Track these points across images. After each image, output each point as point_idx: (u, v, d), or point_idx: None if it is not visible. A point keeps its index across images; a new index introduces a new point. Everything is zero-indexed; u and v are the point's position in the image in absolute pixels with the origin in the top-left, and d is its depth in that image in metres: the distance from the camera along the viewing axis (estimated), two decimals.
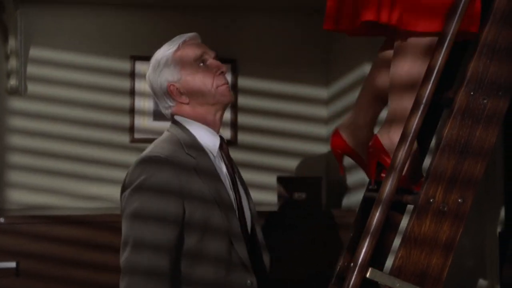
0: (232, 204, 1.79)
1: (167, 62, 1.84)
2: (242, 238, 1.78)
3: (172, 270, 1.68)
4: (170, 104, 1.87)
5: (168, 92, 1.85)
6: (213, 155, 1.84)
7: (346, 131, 2.01)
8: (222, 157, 1.88)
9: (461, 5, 1.64)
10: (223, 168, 1.86)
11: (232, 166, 1.90)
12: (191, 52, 1.85)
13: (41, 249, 3.06)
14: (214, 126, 1.87)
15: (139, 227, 1.67)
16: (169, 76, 1.84)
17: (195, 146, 1.81)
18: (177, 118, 1.88)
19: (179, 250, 1.70)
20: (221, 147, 1.88)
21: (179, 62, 1.84)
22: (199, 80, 1.83)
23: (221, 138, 1.89)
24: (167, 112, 1.91)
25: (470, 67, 1.64)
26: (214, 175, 1.79)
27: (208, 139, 1.85)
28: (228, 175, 1.86)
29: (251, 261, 1.81)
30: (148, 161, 1.72)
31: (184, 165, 1.74)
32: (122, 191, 1.78)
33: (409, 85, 1.77)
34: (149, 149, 1.79)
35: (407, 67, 1.79)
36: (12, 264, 3.00)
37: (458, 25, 1.64)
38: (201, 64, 1.85)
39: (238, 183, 1.90)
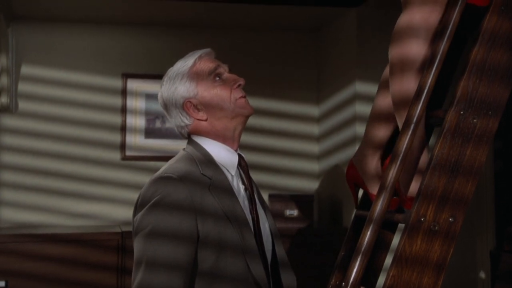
0: (247, 220, 1.75)
1: (182, 78, 1.81)
2: (258, 256, 1.73)
3: None
4: (187, 122, 1.83)
5: (184, 109, 1.81)
6: (231, 174, 1.80)
7: (358, 162, 1.99)
8: (241, 176, 1.84)
9: (450, 25, 1.66)
10: (241, 187, 1.82)
11: (251, 185, 1.85)
12: (206, 66, 1.82)
13: (31, 267, 3.04)
14: (233, 143, 1.83)
15: (154, 247, 1.64)
16: (185, 92, 1.80)
17: (211, 165, 1.77)
18: (193, 136, 1.84)
19: (194, 271, 1.66)
20: (239, 165, 1.83)
21: (195, 78, 1.81)
22: (216, 95, 1.79)
23: (240, 156, 1.84)
24: (182, 131, 1.86)
25: (460, 87, 1.65)
26: (228, 192, 1.75)
27: (225, 157, 1.80)
28: (246, 194, 1.82)
29: (271, 281, 1.77)
30: (161, 181, 1.69)
31: (198, 185, 1.70)
32: (135, 211, 1.74)
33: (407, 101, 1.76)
34: (163, 169, 1.76)
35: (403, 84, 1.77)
36: (1, 283, 2.97)
37: (448, 44, 1.66)
38: (218, 79, 1.81)
39: (258, 202, 1.86)
